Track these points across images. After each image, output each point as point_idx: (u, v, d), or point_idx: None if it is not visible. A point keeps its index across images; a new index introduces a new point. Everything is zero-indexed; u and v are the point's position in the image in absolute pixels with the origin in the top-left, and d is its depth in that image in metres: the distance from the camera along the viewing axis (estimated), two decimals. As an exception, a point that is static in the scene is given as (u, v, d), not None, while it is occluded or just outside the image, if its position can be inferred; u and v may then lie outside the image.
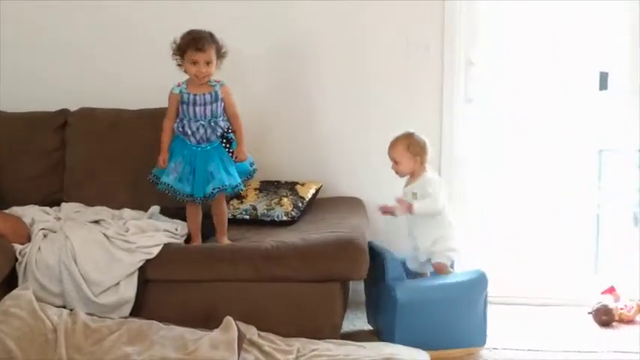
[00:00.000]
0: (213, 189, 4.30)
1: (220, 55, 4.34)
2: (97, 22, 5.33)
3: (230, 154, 4.37)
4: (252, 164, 4.49)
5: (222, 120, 4.36)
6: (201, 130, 4.31)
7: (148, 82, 5.03)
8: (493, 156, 5.46)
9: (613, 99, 5.25)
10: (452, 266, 4.63)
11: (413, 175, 4.61)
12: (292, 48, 5.28)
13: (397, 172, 4.64)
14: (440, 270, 4.57)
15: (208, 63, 4.27)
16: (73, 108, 5.10)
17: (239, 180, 4.39)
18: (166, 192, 4.35)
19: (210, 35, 4.30)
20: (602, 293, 5.10)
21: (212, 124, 4.32)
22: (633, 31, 5.10)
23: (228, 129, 4.38)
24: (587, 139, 5.40)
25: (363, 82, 5.29)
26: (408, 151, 4.57)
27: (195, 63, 4.26)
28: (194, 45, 4.25)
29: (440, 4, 5.18)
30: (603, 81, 5.24)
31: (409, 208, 4.50)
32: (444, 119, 5.25)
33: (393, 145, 4.61)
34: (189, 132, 4.31)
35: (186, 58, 4.28)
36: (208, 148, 4.33)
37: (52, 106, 5.11)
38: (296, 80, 5.32)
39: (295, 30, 5.26)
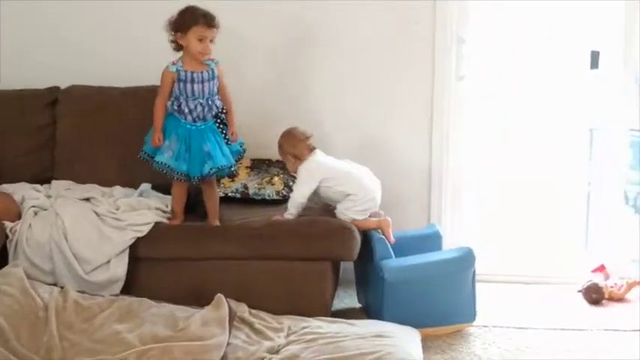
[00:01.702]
0: (211, 169, 4.26)
1: None
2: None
3: (223, 136, 4.36)
4: (241, 144, 4.46)
5: (218, 99, 4.33)
6: (199, 109, 4.26)
7: (137, 60, 5.03)
8: (483, 134, 5.46)
9: (604, 78, 5.24)
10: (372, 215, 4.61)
11: None
12: (284, 29, 5.27)
13: (291, 172, 4.69)
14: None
15: (212, 40, 4.23)
16: (62, 86, 5.08)
17: (233, 161, 4.37)
18: (162, 171, 4.28)
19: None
20: (593, 271, 5.12)
21: (209, 102, 4.28)
22: (625, 9, 5.10)
23: (222, 109, 4.35)
24: (578, 117, 5.40)
25: (354, 60, 5.27)
26: (286, 153, 4.58)
27: (202, 40, 4.20)
28: (205, 21, 4.18)
29: (431, -19, 5.17)
30: (594, 60, 5.24)
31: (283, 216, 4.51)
32: (435, 97, 5.24)
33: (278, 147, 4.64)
34: (187, 110, 4.25)
35: (190, 34, 4.19)
36: (203, 127, 4.29)
37: (42, 84, 5.10)
38: (289, 60, 5.30)
39: (287, 12, 5.23)
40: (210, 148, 4.27)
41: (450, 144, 5.30)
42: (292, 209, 4.47)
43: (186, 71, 4.25)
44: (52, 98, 5.05)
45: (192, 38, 4.21)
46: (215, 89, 4.31)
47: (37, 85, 5.09)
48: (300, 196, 4.48)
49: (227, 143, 4.36)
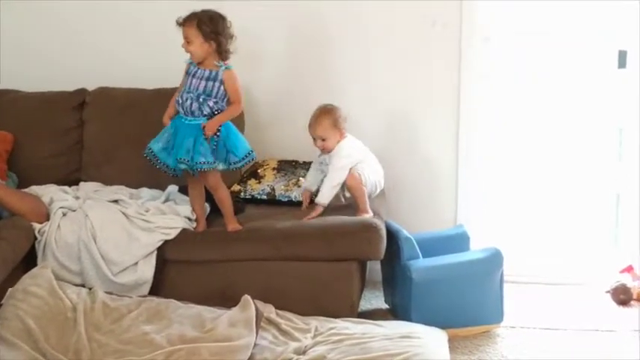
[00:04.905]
0: (177, 158, 4.22)
1: (210, 34, 4.23)
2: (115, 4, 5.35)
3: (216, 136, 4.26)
4: (246, 156, 4.30)
5: (215, 102, 4.27)
6: (188, 102, 4.25)
7: (164, 62, 5.04)
8: (511, 133, 5.44)
9: (632, 77, 5.20)
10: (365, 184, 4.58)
11: None
12: (309, 26, 5.26)
13: (324, 149, 4.56)
14: (353, 182, 4.51)
15: (188, 42, 4.24)
16: (90, 88, 5.12)
17: (205, 160, 4.20)
18: (147, 157, 4.32)
19: (205, 15, 4.24)
20: (621, 272, 5.09)
21: (200, 100, 4.25)
22: (654, 8, 5.07)
23: (218, 112, 4.29)
24: (607, 117, 5.36)
25: (380, 60, 5.26)
26: (336, 127, 4.52)
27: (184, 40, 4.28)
28: (178, 23, 4.27)
29: (457, -19, 5.15)
30: (622, 59, 5.21)
31: (318, 210, 4.49)
32: (462, 96, 5.22)
33: (319, 122, 4.52)
34: (180, 101, 4.29)
35: None
36: (192, 123, 4.26)
37: (69, 87, 5.14)
38: (314, 59, 5.30)
39: (312, 7, 5.23)
40: (187, 144, 4.22)
41: (476, 145, 5.29)
42: (327, 196, 4.48)
43: (195, 66, 4.31)
44: (79, 100, 5.09)
45: None
46: (214, 91, 4.27)
47: (63, 88, 5.14)
48: (338, 177, 4.48)
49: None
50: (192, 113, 4.26)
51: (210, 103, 4.27)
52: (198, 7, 4.28)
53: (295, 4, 5.21)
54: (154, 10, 5.25)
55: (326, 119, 4.52)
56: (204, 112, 4.26)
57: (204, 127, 4.23)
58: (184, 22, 4.24)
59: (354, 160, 4.53)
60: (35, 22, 5.39)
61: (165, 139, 4.31)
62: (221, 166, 4.29)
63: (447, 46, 5.20)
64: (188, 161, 4.20)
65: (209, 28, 4.23)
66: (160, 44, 5.24)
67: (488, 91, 5.33)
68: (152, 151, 4.31)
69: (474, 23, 5.16)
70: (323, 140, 4.53)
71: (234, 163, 4.31)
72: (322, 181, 4.59)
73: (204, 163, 4.22)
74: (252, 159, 4.37)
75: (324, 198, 4.50)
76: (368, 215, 4.49)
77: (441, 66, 5.23)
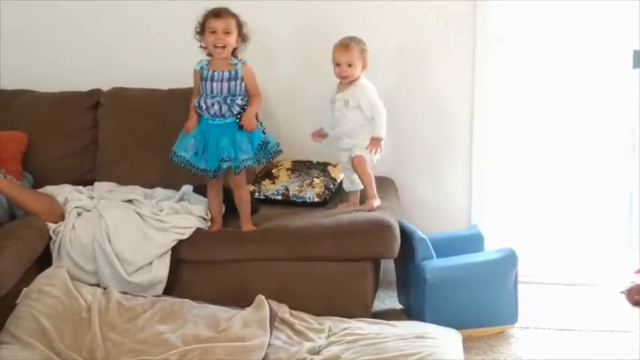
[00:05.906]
0: (220, 160, 4.25)
1: (242, 33, 4.32)
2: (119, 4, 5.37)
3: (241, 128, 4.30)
4: (274, 148, 4.38)
5: (241, 99, 4.31)
6: (216, 107, 4.27)
7: (178, 62, 5.04)
8: (525, 133, 5.43)
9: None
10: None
11: (349, 82, 4.55)
12: (320, 26, 5.23)
13: (346, 77, 4.52)
14: (359, 166, 4.50)
15: (227, 33, 4.25)
16: (104, 88, 5.14)
17: (249, 155, 4.29)
18: (182, 165, 4.33)
19: (232, 12, 4.31)
20: (635, 272, 5.07)
21: (228, 101, 4.28)
22: (669, 8, 5.05)
23: (244, 108, 4.32)
24: (621, 117, 5.35)
25: (393, 61, 5.25)
26: (362, 56, 4.52)
27: (213, 32, 4.25)
28: (211, 13, 4.27)
29: (471, -20, 5.13)
30: (637, 59, 5.18)
31: (376, 143, 4.46)
32: (475, 95, 5.21)
33: (351, 48, 4.50)
34: (204, 107, 4.29)
35: (205, 31, 4.28)
36: (222, 123, 4.29)
37: (84, 87, 5.16)
38: (326, 59, 5.29)
39: (324, 6, 5.23)
40: (224, 143, 4.26)
41: (490, 145, 5.29)
42: (382, 126, 4.48)
43: (209, 70, 4.31)
44: (94, 101, 5.10)
45: (206, 34, 4.28)
46: (238, 90, 4.30)
47: (77, 88, 5.15)
48: (381, 105, 4.50)
49: (241, 129, 4.30)
50: (223, 115, 4.29)
51: (239, 102, 4.30)
52: (209, 5, 4.30)
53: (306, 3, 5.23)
54: (158, 11, 5.26)
55: (357, 46, 4.52)
56: (235, 112, 4.29)
57: (243, 125, 4.27)
58: (225, 14, 4.27)
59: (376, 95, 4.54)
60: (36, 21, 5.39)
61: (192, 145, 4.32)
62: (261, 159, 4.37)
63: (460, 46, 5.18)
64: (230, 159, 4.24)
65: (241, 24, 4.32)
66: (163, 45, 5.26)
67: (501, 92, 5.31)
68: (185, 159, 4.31)
69: (487, 23, 5.16)
70: (349, 66, 4.50)
71: (273, 154, 4.39)
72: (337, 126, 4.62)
73: (247, 159, 4.28)
74: (280, 151, 4.43)
75: (381, 131, 4.47)
76: (376, 201, 4.49)
77: (454, 66, 5.22)
